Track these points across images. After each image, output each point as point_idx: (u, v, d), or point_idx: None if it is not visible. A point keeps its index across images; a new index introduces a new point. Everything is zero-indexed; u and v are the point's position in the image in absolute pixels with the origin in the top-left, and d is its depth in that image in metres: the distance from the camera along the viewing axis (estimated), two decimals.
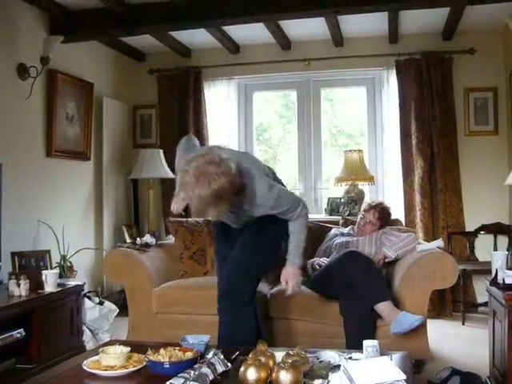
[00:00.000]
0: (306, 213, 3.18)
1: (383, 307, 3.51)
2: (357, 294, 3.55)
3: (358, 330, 3.47)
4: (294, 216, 3.14)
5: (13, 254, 4.36)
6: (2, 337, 3.46)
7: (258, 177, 3.01)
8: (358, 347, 2.55)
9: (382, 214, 4.38)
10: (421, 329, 3.60)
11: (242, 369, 2.13)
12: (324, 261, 4.11)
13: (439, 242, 3.98)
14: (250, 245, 3.27)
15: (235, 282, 3.21)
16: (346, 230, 4.48)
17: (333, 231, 4.52)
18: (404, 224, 5.20)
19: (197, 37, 5.78)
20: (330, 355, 2.48)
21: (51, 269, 4.54)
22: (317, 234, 4.51)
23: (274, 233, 3.27)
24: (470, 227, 5.61)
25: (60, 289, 4.08)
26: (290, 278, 3.24)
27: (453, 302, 5.48)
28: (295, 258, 3.23)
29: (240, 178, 2.86)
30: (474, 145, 5.71)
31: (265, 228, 3.24)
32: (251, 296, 3.25)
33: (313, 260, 4.19)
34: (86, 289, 4.77)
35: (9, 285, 3.86)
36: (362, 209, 4.60)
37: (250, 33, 5.71)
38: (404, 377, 2.09)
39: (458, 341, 4.60)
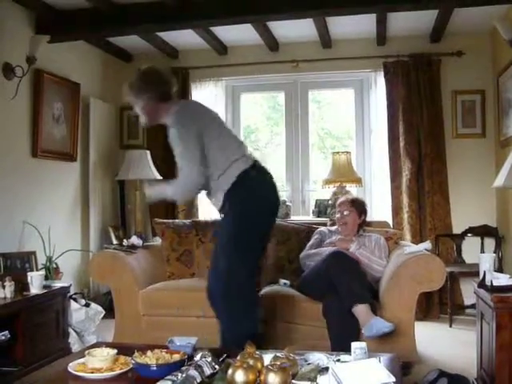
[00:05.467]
0: (187, 186, 3.25)
1: (359, 310, 3.50)
2: (337, 294, 3.56)
3: (341, 332, 3.48)
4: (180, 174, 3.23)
5: None
6: None
7: (181, 113, 3.25)
8: (342, 349, 2.53)
9: (354, 201, 4.36)
10: (406, 332, 3.61)
11: (230, 371, 2.12)
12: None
13: (427, 245, 3.99)
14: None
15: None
16: (333, 228, 4.46)
17: (322, 228, 4.51)
18: (392, 226, 5.21)
19: (184, 38, 5.76)
20: (318, 357, 2.47)
21: (37, 270, 4.49)
22: (304, 234, 4.53)
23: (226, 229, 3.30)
24: (457, 229, 5.63)
25: (46, 291, 4.05)
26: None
27: (440, 304, 5.50)
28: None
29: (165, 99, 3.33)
30: (461, 147, 5.72)
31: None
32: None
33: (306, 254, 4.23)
34: (72, 291, 4.73)
35: None
36: (335, 208, 4.55)
37: (238, 34, 5.70)
38: (393, 379, 2.08)
39: (445, 343, 4.61)
